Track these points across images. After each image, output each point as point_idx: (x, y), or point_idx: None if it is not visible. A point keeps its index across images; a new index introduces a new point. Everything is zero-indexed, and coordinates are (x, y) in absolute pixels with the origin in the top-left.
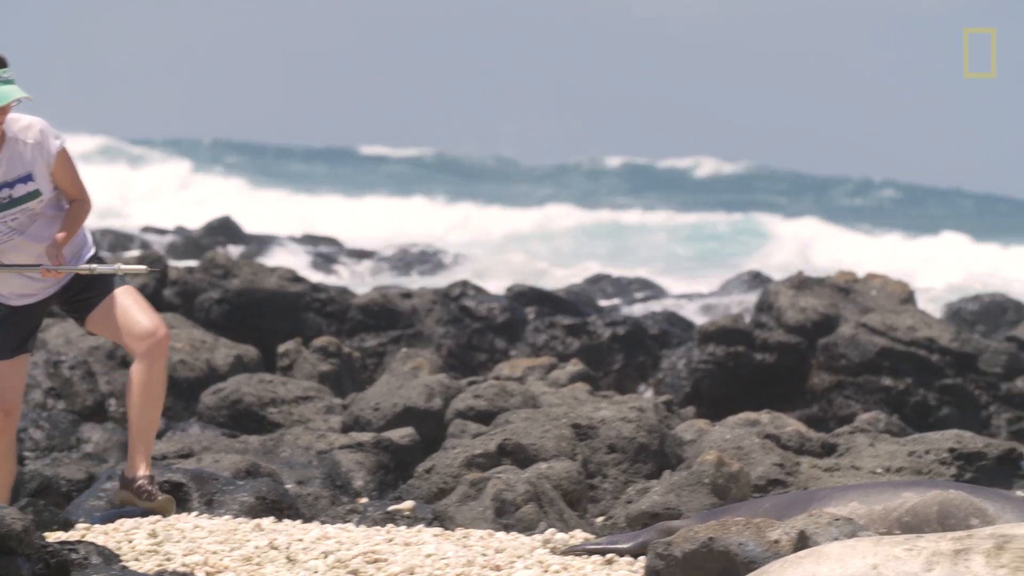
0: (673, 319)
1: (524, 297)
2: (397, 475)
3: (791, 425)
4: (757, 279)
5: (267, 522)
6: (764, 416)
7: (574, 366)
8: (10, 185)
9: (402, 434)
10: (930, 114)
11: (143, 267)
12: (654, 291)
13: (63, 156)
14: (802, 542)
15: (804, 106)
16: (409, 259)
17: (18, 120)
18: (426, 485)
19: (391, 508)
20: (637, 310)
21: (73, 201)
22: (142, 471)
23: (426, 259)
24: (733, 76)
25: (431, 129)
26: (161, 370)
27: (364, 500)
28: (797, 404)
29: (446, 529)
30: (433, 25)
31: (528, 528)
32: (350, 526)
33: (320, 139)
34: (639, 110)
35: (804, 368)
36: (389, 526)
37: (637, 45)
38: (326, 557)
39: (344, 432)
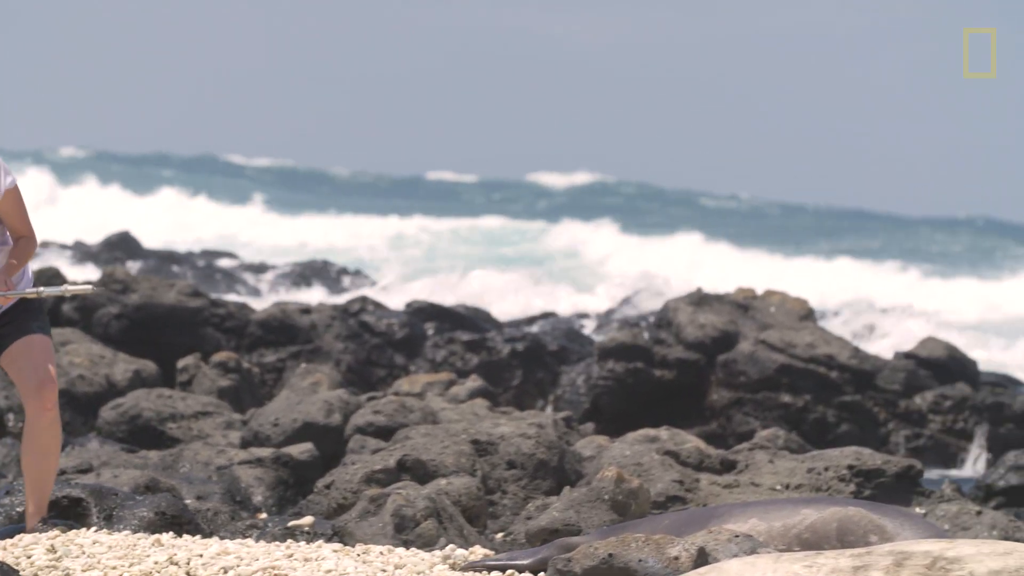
0: (572, 335)
1: (423, 313)
2: (297, 491)
3: (690, 442)
4: (658, 296)
5: (167, 537)
6: (663, 432)
7: (473, 382)
8: None
9: (301, 449)
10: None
11: (88, 287)
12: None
13: (13, 193)
14: (702, 559)
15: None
16: (308, 273)
17: None
18: (326, 501)
19: (291, 524)
20: (536, 326)
21: (20, 238)
22: (30, 522)
23: (325, 273)
24: (603, 93)
25: (291, 140)
26: (44, 425)
27: (264, 516)
28: (696, 421)
29: (346, 545)
30: (295, 34)
31: (428, 544)
32: (250, 542)
33: (181, 148)
34: (499, 126)
35: (703, 385)
36: (289, 542)
37: (502, 60)
38: (226, 573)
39: (243, 447)
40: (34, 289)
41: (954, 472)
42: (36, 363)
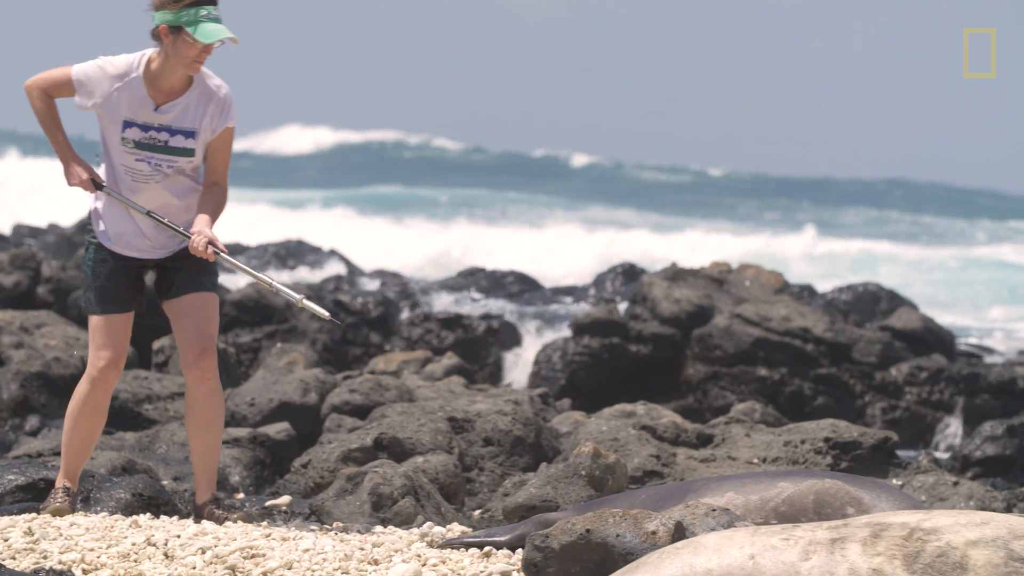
0: (546, 312)
1: (398, 291)
2: (273, 470)
3: (667, 416)
4: (632, 271)
5: (144, 519)
6: (640, 407)
7: (449, 359)
8: (171, 132)
9: (278, 429)
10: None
11: (325, 313)
12: (528, 284)
13: (228, 133)
14: (679, 533)
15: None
16: (284, 253)
17: (212, 76)
18: (303, 480)
19: (268, 503)
20: (510, 303)
21: (215, 184)
22: (203, 496)
23: (300, 253)
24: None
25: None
26: (204, 396)
27: (241, 496)
28: (673, 395)
29: (323, 524)
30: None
31: (405, 522)
32: (227, 522)
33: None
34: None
35: (679, 359)
36: (266, 521)
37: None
38: (203, 553)
39: None
40: (268, 280)
41: (930, 444)
42: (201, 326)
